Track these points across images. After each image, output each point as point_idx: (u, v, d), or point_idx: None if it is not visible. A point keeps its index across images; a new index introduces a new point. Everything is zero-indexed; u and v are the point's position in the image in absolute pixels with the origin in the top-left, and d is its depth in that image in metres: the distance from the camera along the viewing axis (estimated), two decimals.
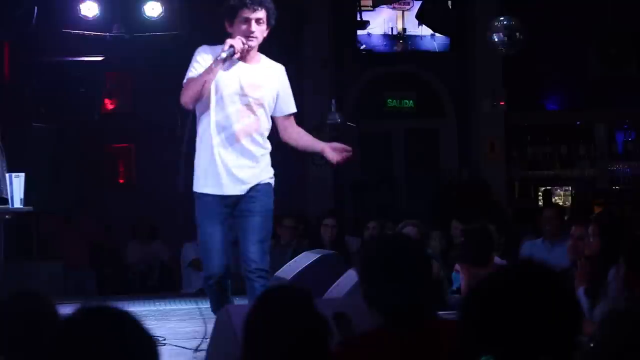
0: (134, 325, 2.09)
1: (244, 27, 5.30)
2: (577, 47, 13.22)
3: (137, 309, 7.75)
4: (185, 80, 5.34)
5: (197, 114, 5.39)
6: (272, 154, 5.61)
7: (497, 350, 2.23)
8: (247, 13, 5.28)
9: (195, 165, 5.43)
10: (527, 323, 2.24)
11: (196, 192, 5.41)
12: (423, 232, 7.94)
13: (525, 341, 2.24)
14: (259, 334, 2.75)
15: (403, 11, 13.53)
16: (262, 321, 2.77)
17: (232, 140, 5.36)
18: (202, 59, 5.34)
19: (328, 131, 12.09)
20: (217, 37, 5.55)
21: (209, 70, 5.24)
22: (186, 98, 5.28)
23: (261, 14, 5.32)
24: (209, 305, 5.68)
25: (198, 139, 5.42)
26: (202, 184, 5.39)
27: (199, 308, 7.16)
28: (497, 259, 7.00)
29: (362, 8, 13.44)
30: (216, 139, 5.34)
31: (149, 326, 2.14)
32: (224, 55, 5.21)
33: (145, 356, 2.08)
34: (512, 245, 8.85)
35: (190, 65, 5.34)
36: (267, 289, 3.02)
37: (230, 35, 5.36)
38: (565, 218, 9.49)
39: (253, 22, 5.30)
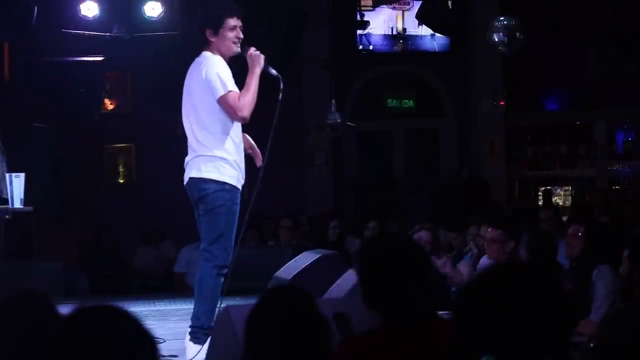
0: (134, 325, 2.09)
1: (232, 34, 5.75)
2: (577, 47, 13.21)
3: (137, 309, 7.75)
4: (225, 93, 5.61)
5: (216, 111, 5.65)
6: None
7: (491, 350, 2.22)
8: (234, 21, 5.76)
9: (213, 155, 5.67)
10: (518, 323, 2.24)
11: (219, 181, 5.65)
12: (437, 236, 7.88)
13: (517, 341, 2.24)
14: (260, 334, 2.75)
15: (403, 11, 13.53)
16: (263, 321, 2.77)
17: (240, 138, 5.83)
18: (226, 72, 5.69)
19: (328, 131, 12.12)
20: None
21: (256, 83, 5.70)
22: (250, 112, 5.67)
23: (240, 21, 5.82)
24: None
25: (219, 132, 5.68)
26: (229, 174, 5.67)
27: None
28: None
29: (362, 8, 13.45)
30: (237, 135, 5.76)
31: (149, 326, 2.14)
32: (274, 72, 5.79)
33: (146, 356, 2.08)
34: None
35: (220, 81, 5.62)
36: (268, 290, 3.02)
37: (215, 42, 5.73)
38: (564, 218, 9.48)
39: (238, 28, 5.78)
